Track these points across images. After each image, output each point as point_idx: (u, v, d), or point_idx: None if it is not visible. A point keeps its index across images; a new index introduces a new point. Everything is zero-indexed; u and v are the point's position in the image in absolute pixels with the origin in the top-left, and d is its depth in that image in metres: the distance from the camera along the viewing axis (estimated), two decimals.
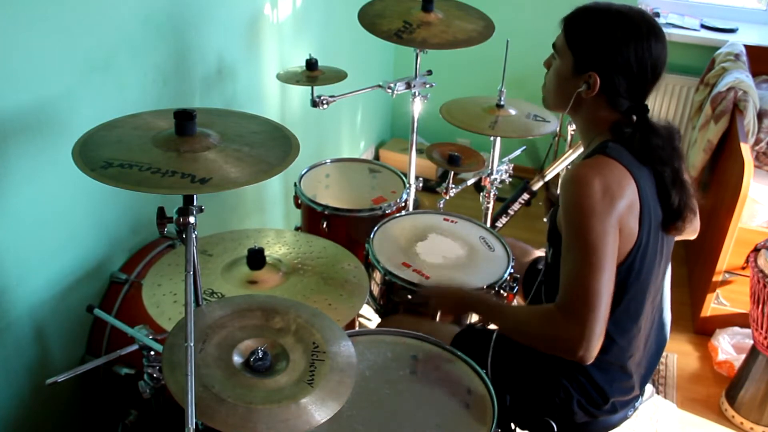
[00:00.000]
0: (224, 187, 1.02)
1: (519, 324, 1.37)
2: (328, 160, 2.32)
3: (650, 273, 1.36)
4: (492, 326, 1.75)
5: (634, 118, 1.34)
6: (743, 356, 2.36)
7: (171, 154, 1.07)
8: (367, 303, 1.81)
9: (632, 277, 1.32)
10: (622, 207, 1.26)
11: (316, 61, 2.07)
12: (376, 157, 3.82)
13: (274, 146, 1.17)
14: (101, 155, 1.05)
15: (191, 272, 1.03)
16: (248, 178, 1.05)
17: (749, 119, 2.60)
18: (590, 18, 1.33)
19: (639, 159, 1.32)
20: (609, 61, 1.29)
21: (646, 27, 1.29)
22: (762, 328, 2.15)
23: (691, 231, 1.58)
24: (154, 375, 1.32)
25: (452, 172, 2.34)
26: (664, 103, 3.28)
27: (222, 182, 1.03)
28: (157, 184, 1.00)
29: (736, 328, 2.60)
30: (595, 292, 1.21)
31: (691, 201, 1.38)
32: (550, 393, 1.44)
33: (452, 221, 1.99)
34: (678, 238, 1.55)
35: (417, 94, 2.23)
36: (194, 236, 1.07)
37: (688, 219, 1.37)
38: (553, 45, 1.40)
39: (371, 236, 1.86)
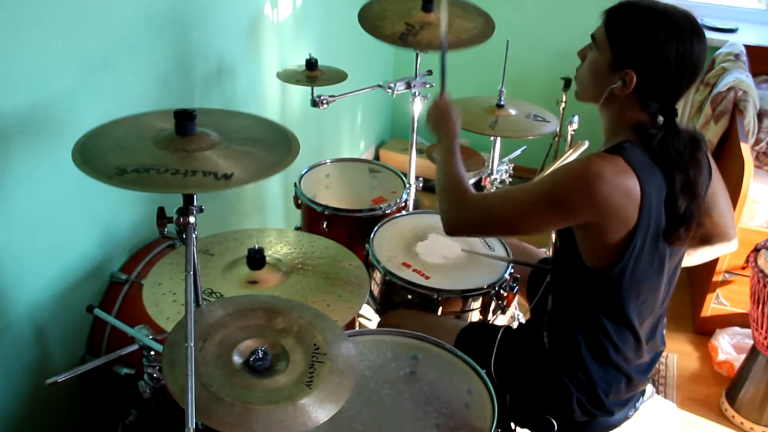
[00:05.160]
0: (248, 181, 1.03)
1: (443, 179, 1.49)
2: (328, 160, 2.32)
3: (645, 280, 1.35)
4: (497, 323, 1.76)
5: (661, 119, 1.32)
6: (743, 356, 2.36)
7: (179, 154, 1.07)
8: (367, 303, 1.81)
9: (625, 280, 1.32)
10: (599, 215, 1.26)
11: (316, 61, 2.07)
12: (376, 157, 3.81)
13: (274, 140, 1.18)
14: (109, 163, 1.04)
15: (191, 272, 1.03)
16: (266, 169, 1.06)
17: (749, 119, 2.60)
18: (634, 14, 1.29)
19: (655, 160, 1.30)
20: (649, 60, 1.26)
21: (690, 28, 1.26)
22: (762, 328, 2.15)
23: (727, 243, 1.53)
24: (154, 375, 1.32)
25: None
26: None
27: (245, 176, 1.03)
28: (182, 184, 1.00)
29: (736, 328, 2.60)
30: (499, 215, 1.38)
31: (701, 215, 1.35)
32: (550, 390, 1.45)
33: None
34: (713, 254, 1.54)
35: (417, 94, 2.23)
36: (194, 236, 1.07)
37: (694, 231, 1.33)
38: (592, 36, 1.37)
39: (371, 236, 1.86)
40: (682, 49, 1.25)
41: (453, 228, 1.45)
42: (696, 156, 1.32)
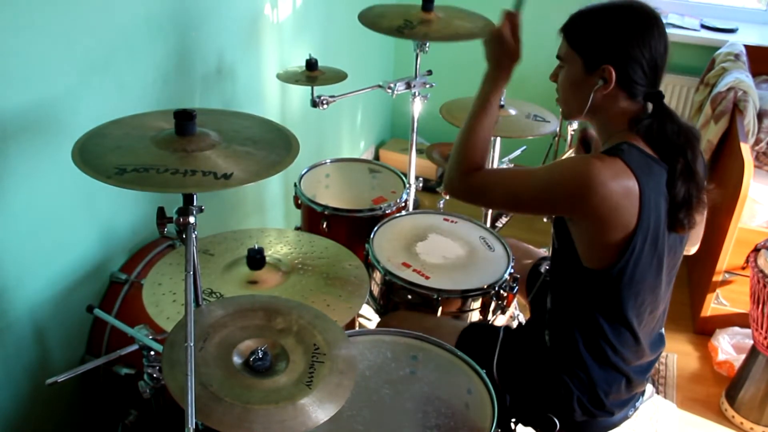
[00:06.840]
0: (248, 181, 1.03)
1: (465, 136, 1.46)
2: (328, 160, 2.32)
3: (644, 281, 1.35)
4: (498, 323, 1.76)
5: (651, 106, 1.34)
6: (743, 356, 2.36)
7: (179, 154, 1.07)
8: (367, 303, 1.81)
9: (625, 281, 1.33)
10: (597, 217, 1.26)
11: (316, 61, 2.07)
12: (376, 157, 3.81)
13: (274, 140, 1.18)
14: (109, 162, 1.04)
15: (191, 272, 1.03)
16: (266, 169, 1.06)
17: (749, 119, 2.60)
18: (590, 17, 1.35)
19: (657, 151, 1.31)
20: (619, 50, 1.30)
21: (645, 14, 1.31)
22: (762, 328, 2.15)
23: (691, 242, 1.56)
24: (154, 375, 1.32)
25: None
26: None
27: (245, 176, 1.03)
28: (182, 183, 1.00)
29: (736, 328, 2.60)
30: (496, 198, 1.44)
31: (702, 195, 1.36)
32: (551, 389, 1.45)
33: (452, 221, 1.99)
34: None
35: (417, 94, 2.23)
36: (194, 236, 1.07)
37: (697, 213, 1.35)
38: (558, 56, 1.40)
39: (371, 236, 1.86)
40: (647, 33, 1.29)
41: (451, 193, 1.49)
42: (691, 141, 1.34)
